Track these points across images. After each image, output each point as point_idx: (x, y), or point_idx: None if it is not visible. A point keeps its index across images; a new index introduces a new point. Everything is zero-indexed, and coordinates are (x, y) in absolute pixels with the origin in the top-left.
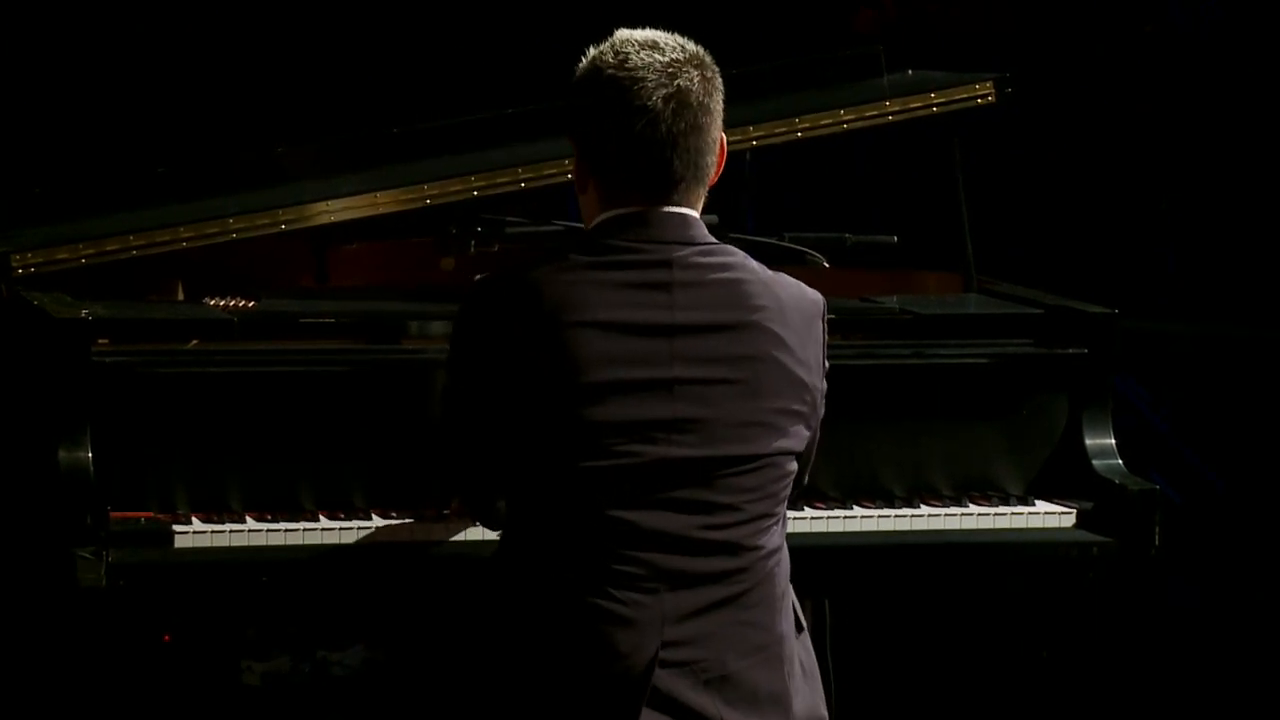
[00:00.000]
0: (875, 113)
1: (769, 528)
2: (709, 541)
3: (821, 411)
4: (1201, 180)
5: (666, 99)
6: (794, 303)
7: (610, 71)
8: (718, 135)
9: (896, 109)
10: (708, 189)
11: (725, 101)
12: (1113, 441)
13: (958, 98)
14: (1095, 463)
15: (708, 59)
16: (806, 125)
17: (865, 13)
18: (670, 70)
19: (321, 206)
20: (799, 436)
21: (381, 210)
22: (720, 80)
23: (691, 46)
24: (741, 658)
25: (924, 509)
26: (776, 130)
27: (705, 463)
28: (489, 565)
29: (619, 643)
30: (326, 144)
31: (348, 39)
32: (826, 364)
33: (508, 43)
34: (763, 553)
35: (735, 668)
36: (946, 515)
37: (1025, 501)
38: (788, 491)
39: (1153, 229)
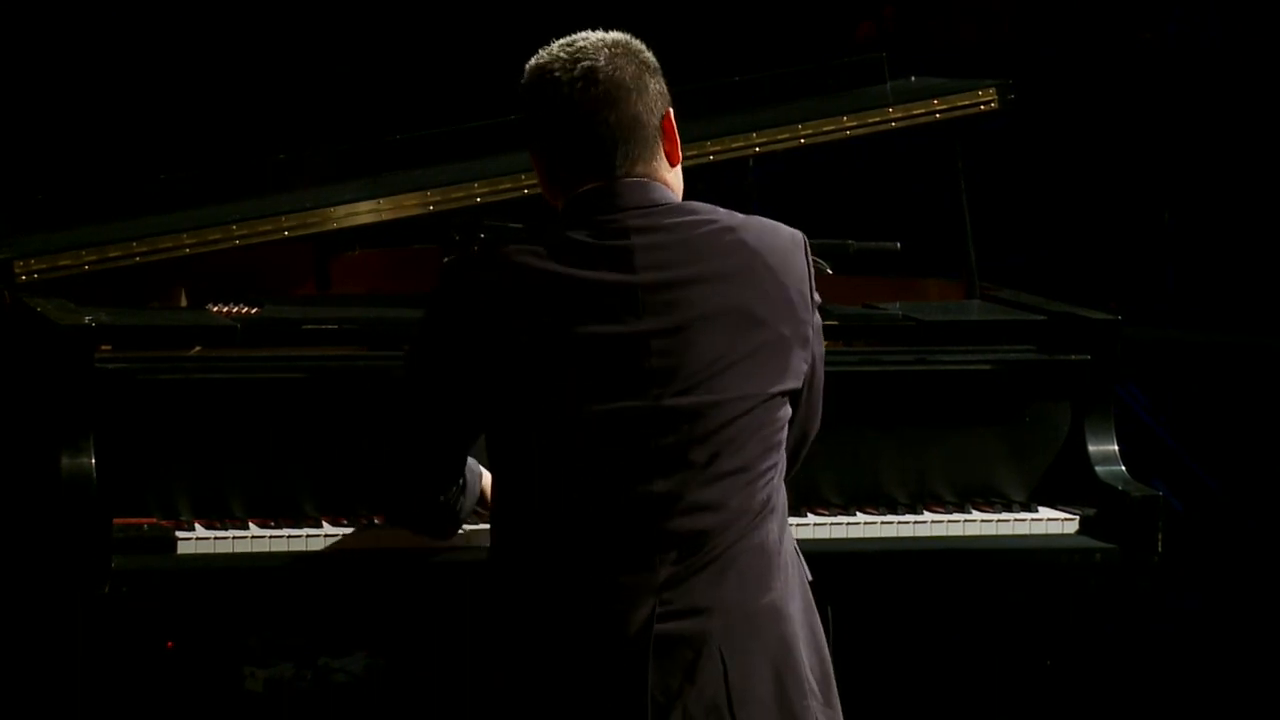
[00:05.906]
0: (878, 119)
1: (765, 483)
2: (697, 503)
3: (819, 349)
4: (1204, 191)
5: (572, 82)
6: (766, 242)
7: (526, 79)
8: (649, 110)
9: (899, 115)
10: (672, 165)
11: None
12: (1115, 448)
13: (961, 104)
14: (1098, 469)
15: (626, 43)
16: (809, 132)
17: (866, 24)
18: (576, 56)
19: (324, 213)
20: (795, 373)
21: (384, 217)
22: (646, 58)
23: (613, 36)
24: (743, 614)
25: (927, 516)
26: (779, 137)
27: (687, 415)
28: (488, 558)
29: (620, 610)
30: (329, 150)
31: (350, 45)
32: (816, 297)
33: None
34: (755, 506)
35: (736, 622)
36: (949, 522)
37: (1028, 508)
38: (783, 441)
39: (1154, 239)
